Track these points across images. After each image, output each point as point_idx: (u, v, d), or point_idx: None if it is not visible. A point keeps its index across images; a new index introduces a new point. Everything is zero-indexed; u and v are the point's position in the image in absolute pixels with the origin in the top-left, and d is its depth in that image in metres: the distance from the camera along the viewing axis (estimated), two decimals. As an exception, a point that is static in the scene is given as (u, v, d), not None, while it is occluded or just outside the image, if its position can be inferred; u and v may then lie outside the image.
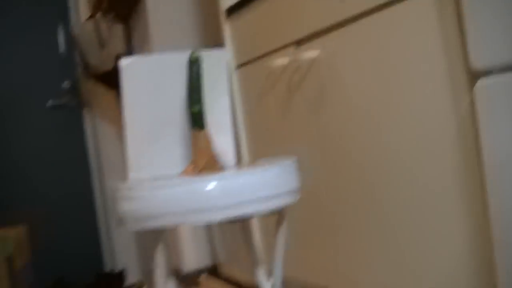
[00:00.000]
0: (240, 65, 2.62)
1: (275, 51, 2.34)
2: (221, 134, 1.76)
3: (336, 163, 2.05)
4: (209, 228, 2.06)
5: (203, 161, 1.60)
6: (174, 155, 1.77)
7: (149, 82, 1.75)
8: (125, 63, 1.73)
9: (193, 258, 3.18)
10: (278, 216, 1.58)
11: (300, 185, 1.58)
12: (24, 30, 4.04)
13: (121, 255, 4.17)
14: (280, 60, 2.25)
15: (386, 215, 1.84)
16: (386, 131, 1.79)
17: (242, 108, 2.64)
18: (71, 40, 3.74)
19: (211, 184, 1.40)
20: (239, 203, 1.41)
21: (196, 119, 1.61)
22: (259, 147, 2.56)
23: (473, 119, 1.44)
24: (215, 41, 2.97)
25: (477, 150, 1.44)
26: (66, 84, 4.11)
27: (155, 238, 1.52)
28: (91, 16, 3.64)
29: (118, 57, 3.50)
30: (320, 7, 2.02)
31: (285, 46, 2.27)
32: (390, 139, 1.78)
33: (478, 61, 1.38)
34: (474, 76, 1.41)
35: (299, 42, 2.20)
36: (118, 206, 1.49)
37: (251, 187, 1.43)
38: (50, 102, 4.09)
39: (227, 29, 2.67)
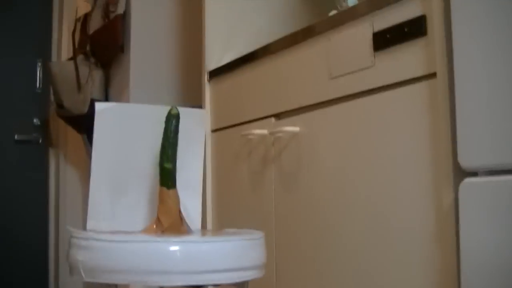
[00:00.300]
0: (216, 130, 2.58)
1: (254, 120, 2.31)
2: (189, 197, 1.70)
3: (304, 245, 1.99)
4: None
5: (168, 221, 1.53)
6: (137, 211, 1.70)
7: (122, 131, 1.69)
8: (101, 108, 1.67)
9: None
10: (239, 290, 1.52)
11: (266, 262, 1.52)
12: (3, 60, 4.01)
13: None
14: (259, 131, 2.21)
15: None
16: (362, 217, 1.75)
17: (212, 173, 2.59)
18: (48, 77, 3.69)
19: (174, 246, 1.34)
20: (201, 271, 1.35)
21: (167, 176, 1.54)
22: (224, 215, 2.50)
23: (455, 216, 1.40)
24: (194, 102, 2.93)
25: (456, 248, 1.39)
26: (36, 121, 4.06)
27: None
28: (72, 57, 3.60)
29: (93, 103, 3.46)
30: (307, 84, 2.00)
31: (264, 118, 2.24)
32: (366, 225, 1.73)
33: (466, 160, 1.35)
34: (460, 173, 1.38)
35: (279, 115, 2.17)
36: (72, 254, 1.42)
37: (216, 256, 1.37)
38: (17, 136, 4.02)
39: (208, 92, 2.64)
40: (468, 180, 1.34)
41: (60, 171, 4.11)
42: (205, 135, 2.47)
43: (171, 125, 1.57)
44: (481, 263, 1.30)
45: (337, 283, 1.83)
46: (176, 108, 1.59)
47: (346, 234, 1.80)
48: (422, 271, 1.52)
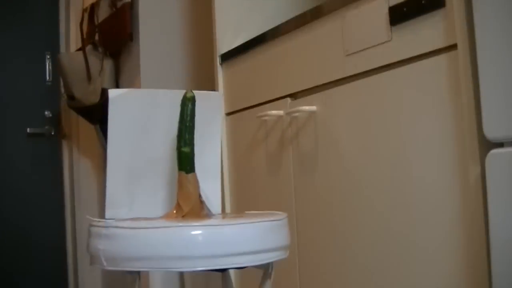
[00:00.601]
0: (230, 113, 2.55)
1: (269, 102, 2.28)
2: (208, 180, 1.67)
3: (325, 227, 1.97)
4: (181, 278, 1.96)
5: (188, 206, 1.50)
6: (156, 197, 1.67)
7: (137, 117, 1.66)
8: (115, 95, 1.63)
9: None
10: (263, 272, 1.48)
11: (289, 243, 1.49)
12: (11, 54, 4.00)
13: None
14: (275, 112, 2.18)
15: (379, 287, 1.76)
16: (384, 196, 1.71)
17: (228, 157, 2.56)
18: (58, 69, 3.67)
19: (196, 230, 1.31)
20: (224, 255, 1.32)
21: (185, 160, 1.51)
22: (243, 199, 2.48)
23: (482, 190, 1.36)
24: (206, 87, 2.90)
25: (484, 221, 1.36)
26: (48, 113, 4.04)
27: (129, 281, 1.42)
28: (81, 48, 3.57)
29: (104, 93, 3.44)
30: (322, 62, 1.96)
31: (279, 98, 2.21)
32: (388, 205, 1.70)
33: (492, 131, 1.31)
34: (486, 145, 1.34)
35: (295, 95, 2.14)
36: (92, 243, 1.39)
37: (239, 238, 1.34)
38: (29, 130, 4.01)
39: (220, 75, 2.61)
40: (494, 152, 1.31)
41: (73, 163, 4.09)
42: (221, 115, 2.46)
43: (187, 108, 1.54)
44: (510, 233, 1.27)
45: (360, 264, 1.80)
46: (192, 91, 1.56)
47: (368, 213, 1.77)
48: (448, 248, 1.49)
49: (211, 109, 1.74)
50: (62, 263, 4.05)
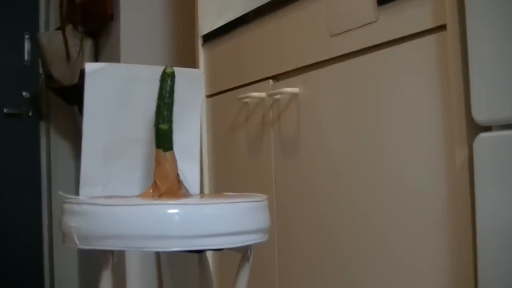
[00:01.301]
0: (211, 95, 2.50)
1: (251, 84, 2.23)
2: (187, 160, 1.62)
3: (306, 211, 1.93)
4: (158, 260, 1.92)
5: (166, 185, 1.46)
6: (133, 176, 1.62)
7: (114, 92, 1.60)
8: (91, 68, 1.58)
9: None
10: (242, 256, 1.44)
11: (270, 226, 1.45)
12: (-12, 33, 3.93)
13: (62, 281, 4.01)
14: (256, 94, 2.13)
15: (362, 273, 1.72)
16: (368, 180, 1.68)
17: (208, 140, 2.52)
18: (36, 49, 3.62)
19: (173, 209, 1.26)
20: (201, 235, 1.28)
21: (163, 138, 1.46)
22: (222, 182, 2.44)
23: (469, 174, 1.32)
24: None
25: (471, 206, 1.32)
26: (26, 94, 3.98)
27: (103, 261, 1.37)
28: (61, 28, 3.51)
29: (82, 73, 3.38)
30: (306, 43, 1.92)
31: (261, 80, 2.16)
32: (371, 189, 1.66)
33: (480, 114, 1.27)
34: (474, 129, 1.30)
35: (277, 77, 2.09)
36: (65, 220, 1.34)
37: (217, 219, 1.30)
38: (6, 110, 3.95)
39: (202, 57, 2.56)
40: (483, 135, 1.27)
41: (51, 144, 4.04)
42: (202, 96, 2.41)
43: (166, 84, 1.49)
44: (498, 224, 1.23)
45: (341, 249, 1.77)
46: (171, 67, 1.51)
47: (350, 198, 1.73)
48: (435, 234, 1.46)
49: (192, 87, 1.69)
50: (38, 244, 4.01)
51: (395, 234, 1.58)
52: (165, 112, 1.47)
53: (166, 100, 1.48)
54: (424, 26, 1.49)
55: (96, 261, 3.46)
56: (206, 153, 2.52)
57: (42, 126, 4.08)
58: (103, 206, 1.29)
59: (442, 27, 1.43)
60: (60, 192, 1.47)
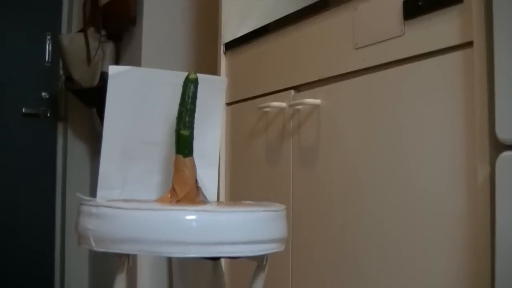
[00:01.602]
0: (231, 103, 2.50)
1: (272, 93, 2.22)
2: (206, 167, 1.61)
3: (322, 223, 1.91)
4: (169, 265, 1.91)
5: (184, 191, 1.45)
6: (151, 180, 1.62)
7: (136, 96, 1.60)
8: (115, 71, 1.57)
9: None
10: (257, 264, 1.43)
11: (287, 236, 1.43)
12: (12, 34, 3.95)
13: (73, 279, 4.01)
14: (277, 103, 2.13)
15: (375, 287, 1.71)
16: (386, 194, 1.66)
17: (227, 148, 2.51)
18: (58, 50, 3.63)
19: (191, 215, 1.25)
20: (218, 243, 1.26)
21: (184, 143, 1.46)
22: (239, 190, 2.43)
23: (490, 192, 1.31)
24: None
25: (490, 225, 1.31)
26: (45, 94, 3.99)
27: (118, 265, 1.36)
28: (83, 30, 3.52)
29: (103, 76, 3.39)
30: (329, 54, 1.91)
31: (282, 90, 2.16)
32: (390, 203, 1.65)
33: (504, 132, 1.26)
34: (497, 147, 1.29)
35: (298, 88, 2.09)
36: (81, 222, 1.34)
37: (235, 227, 1.28)
38: (25, 110, 3.96)
39: (223, 64, 2.56)
40: (506, 154, 1.26)
41: (68, 145, 4.06)
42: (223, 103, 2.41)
43: (189, 90, 1.48)
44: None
45: (357, 263, 1.75)
46: (195, 73, 1.50)
47: (368, 211, 1.72)
48: (453, 251, 1.44)
49: (214, 94, 1.69)
50: (50, 244, 4.02)
51: (412, 248, 1.56)
52: (187, 118, 1.46)
53: (188, 106, 1.47)
54: (450, 42, 1.48)
55: (108, 265, 3.46)
56: (224, 160, 2.51)
57: (60, 127, 4.09)
58: (122, 210, 1.28)
59: (469, 44, 1.42)
60: (78, 194, 1.46)
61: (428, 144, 1.53)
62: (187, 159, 1.47)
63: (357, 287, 1.75)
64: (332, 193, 1.88)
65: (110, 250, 1.28)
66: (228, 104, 2.51)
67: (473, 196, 1.38)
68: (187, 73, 1.51)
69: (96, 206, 1.32)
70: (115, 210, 1.28)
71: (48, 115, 4.03)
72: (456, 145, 1.44)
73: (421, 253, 1.53)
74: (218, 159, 1.69)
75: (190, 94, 1.48)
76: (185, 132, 1.46)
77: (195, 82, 1.49)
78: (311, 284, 1.95)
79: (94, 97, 3.49)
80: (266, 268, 1.43)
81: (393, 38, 1.66)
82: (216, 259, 1.62)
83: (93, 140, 3.97)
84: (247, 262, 1.43)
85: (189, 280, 2.66)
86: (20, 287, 3.85)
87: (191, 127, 1.47)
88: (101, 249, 1.30)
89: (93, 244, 1.30)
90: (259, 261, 1.42)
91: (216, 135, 1.69)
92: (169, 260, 1.84)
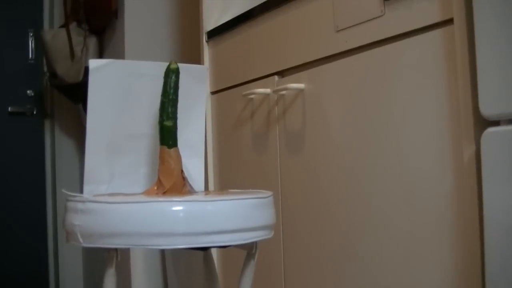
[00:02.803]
0: (216, 91, 2.49)
1: (256, 80, 2.22)
2: (191, 157, 1.61)
3: (311, 208, 1.91)
4: (162, 258, 1.91)
5: (170, 182, 1.44)
6: (137, 173, 1.61)
7: (118, 88, 1.58)
8: (95, 65, 1.56)
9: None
10: (247, 253, 1.42)
11: (276, 222, 1.43)
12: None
13: (67, 279, 4.02)
14: (261, 90, 2.12)
15: (368, 269, 1.70)
16: (374, 176, 1.66)
17: (213, 136, 2.50)
18: (40, 46, 3.61)
19: (177, 206, 1.25)
20: (206, 232, 1.26)
21: (168, 134, 1.45)
22: (227, 179, 2.42)
23: (476, 169, 1.31)
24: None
25: (478, 201, 1.31)
26: (30, 92, 3.97)
27: (107, 259, 1.35)
28: (65, 25, 3.50)
29: (87, 71, 3.37)
30: (311, 38, 1.90)
31: (266, 76, 2.15)
32: (378, 185, 1.64)
33: (488, 109, 1.25)
34: (482, 123, 1.28)
35: (282, 73, 2.08)
36: (68, 218, 1.33)
37: (222, 216, 1.28)
38: (10, 108, 3.95)
39: (206, 53, 2.54)
40: (490, 130, 1.25)
41: (55, 142, 4.04)
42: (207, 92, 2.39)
43: (171, 80, 1.47)
44: (506, 218, 1.21)
45: (347, 244, 1.75)
46: (176, 63, 1.49)
47: (356, 192, 1.72)
48: (441, 228, 1.44)
49: (196, 83, 1.67)
50: (43, 242, 4.01)
51: (401, 228, 1.56)
52: (170, 109, 1.45)
53: (170, 97, 1.46)
54: (430, 20, 1.47)
55: (101, 260, 3.46)
56: (211, 149, 2.51)
57: (47, 124, 4.07)
58: (107, 204, 1.27)
59: (449, 21, 1.41)
60: (64, 190, 1.45)
61: (413, 123, 1.53)
62: (172, 150, 1.46)
63: (350, 268, 1.75)
64: (320, 177, 1.87)
65: (98, 245, 1.27)
66: (213, 93, 2.51)
67: (460, 174, 1.38)
68: (168, 63, 1.50)
69: (82, 201, 1.31)
70: (101, 204, 1.28)
71: (35, 112, 4.01)
72: (441, 123, 1.44)
73: (410, 232, 1.53)
74: (204, 149, 1.68)
75: (172, 84, 1.47)
76: (168, 123, 1.45)
77: (176, 72, 1.48)
78: (303, 269, 1.95)
79: (79, 93, 3.47)
80: (256, 256, 1.43)
81: (374, 19, 1.65)
82: (206, 249, 1.62)
83: (81, 136, 3.95)
84: (238, 250, 1.43)
85: (183, 272, 2.65)
86: (15, 283, 3.84)
87: (174, 117, 1.46)
88: (89, 245, 1.29)
89: (81, 240, 1.30)
90: (249, 249, 1.42)
91: (200, 125, 1.68)
92: (162, 252, 1.83)
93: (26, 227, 3.93)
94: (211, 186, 2.49)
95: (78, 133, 3.97)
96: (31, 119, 4.01)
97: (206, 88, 1.67)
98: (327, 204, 1.84)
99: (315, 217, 1.89)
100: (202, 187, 1.65)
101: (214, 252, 2.25)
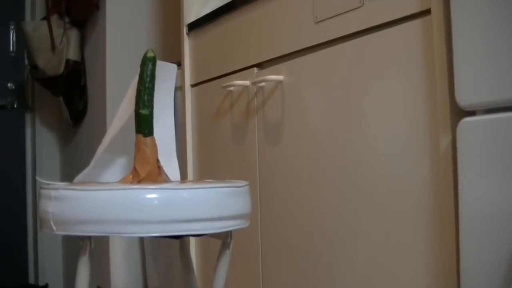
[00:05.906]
0: (197, 84, 2.47)
1: (235, 72, 2.21)
2: (166, 146, 1.60)
3: (290, 198, 1.91)
4: (141, 247, 1.89)
5: (146, 170, 1.43)
6: (115, 162, 1.60)
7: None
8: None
9: (121, 280, 2.99)
10: (222, 241, 1.42)
11: (251, 212, 1.42)
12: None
13: (47, 268, 4.00)
14: (240, 82, 2.11)
15: (347, 256, 1.70)
16: (352, 166, 1.65)
17: (193, 129, 2.49)
18: (21, 38, 3.58)
19: (151, 194, 1.24)
20: (181, 220, 1.25)
21: (144, 123, 1.44)
22: (206, 170, 2.41)
23: (452, 159, 1.31)
24: (174, 59, 2.83)
25: (454, 191, 1.31)
26: (11, 85, 3.95)
27: (81, 247, 1.34)
28: (46, 17, 3.48)
29: (68, 63, 3.35)
30: (290, 30, 1.90)
31: (245, 68, 2.14)
32: (356, 174, 1.64)
33: (464, 99, 1.25)
34: (458, 113, 1.28)
35: (261, 65, 2.07)
36: (42, 206, 1.32)
37: (197, 204, 1.27)
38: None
39: (187, 45, 2.53)
40: (466, 120, 1.25)
41: (36, 135, 4.01)
42: (185, 89, 2.39)
43: (147, 68, 1.47)
44: (481, 209, 1.21)
45: (325, 235, 1.75)
46: (153, 51, 1.48)
47: (333, 183, 1.71)
48: (417, 218, 1.44)
49: (165, 80, 1.67)
50: (23, 234, 4.00)
51: (377, 218, 1.56)
52: (146, 97, 1.45)
53: (146, 85, 1.46)
54: (408, 11, 1.47)
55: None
56: (191, 141, 2.49)
57: (28, 117, 4.05)
58: (80, 191, 1.26)
59: (427, 12, 1.41)
60: (38, 178, 1.44)
61: (391, 114, 1.52)
62: (148, 139, 1.45)
63: (327, 257, 1.74)
64: (298, 168, 1.87)
65: (70, 233, 1.27)
66: (193, 85, 2.49)
67: (436, 163, 1.37)
68: (145, 51, 1.49)
69: (55, 189, 1.30)
70: (74, 191, 1.27)
71: (15, 106, 3.99)
72: (418, 114, 1.44)
73: (387, 221, 1.53)
74: (174, 140, 1.68)
75: (149, 73, 1.46)
76: (144, 111, 1.44)
77: (153, 60, 1.47)
78: (281, 259, 1.94)
79: (60, 85, 3.46)
80: (231, 246, 1.42)
81: (353, 9, 1.64)
82: (180, 237, 1.61)
83: (62, 129, 3.94)
84: (215, 241, 1.42)
85: (161, 261, 2.65)
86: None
87: (150, 106, 1.45)
88: (61, 232, 1.28)
89: (54, 227, 1.29)
90: (224, 238, 1.41)
91: (170, 121, 1.67)
92: (141, 241, 1.82)
93: (7, 219, 3.91)
94: (190, 177, 2.48)
95: (59, 126, 3.95)
96: (12, 112, 3.98)
97: (173, 86, 1.65)
98: (305, 194, 1.83)
99: (293, 207, 1.89)
100: (178, 176, 1.64)
101: (192, 241, 2.24)
